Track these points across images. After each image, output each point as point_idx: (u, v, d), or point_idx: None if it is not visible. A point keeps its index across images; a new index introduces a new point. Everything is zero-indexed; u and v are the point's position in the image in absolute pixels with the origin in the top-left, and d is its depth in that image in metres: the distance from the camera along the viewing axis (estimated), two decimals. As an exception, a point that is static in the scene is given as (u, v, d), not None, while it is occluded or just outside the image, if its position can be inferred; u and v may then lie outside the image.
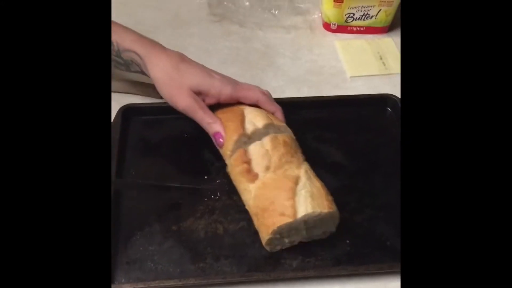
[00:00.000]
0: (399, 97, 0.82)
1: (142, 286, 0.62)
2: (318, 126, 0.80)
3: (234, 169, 0.68)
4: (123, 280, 0.63)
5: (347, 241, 0.67)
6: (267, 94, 0.73)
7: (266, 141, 0.68)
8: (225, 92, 0.71)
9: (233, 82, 0.72)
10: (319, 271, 0.64)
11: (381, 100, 0.83)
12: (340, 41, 0.99)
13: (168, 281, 0.63)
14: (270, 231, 0.62)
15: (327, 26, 1.01)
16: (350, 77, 0.91)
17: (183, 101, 0.70)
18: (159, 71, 0.70)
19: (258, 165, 0.67)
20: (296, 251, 0.66)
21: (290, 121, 0.74)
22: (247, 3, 1.06)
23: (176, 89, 0.70)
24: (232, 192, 0.70)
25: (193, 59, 0.73)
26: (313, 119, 0.81)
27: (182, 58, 0.72)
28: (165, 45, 0.74)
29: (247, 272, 0.64)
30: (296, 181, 0.64)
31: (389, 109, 0.83)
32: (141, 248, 0.66)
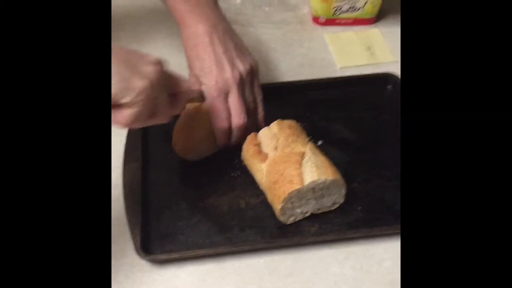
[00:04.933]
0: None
1: (176, 256, 0.68)
2: (325, 106, 0.86)
3: (247, 153, 0.74)
4: (158, 252, 0.68)
5: (359, 208, 0.73)
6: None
7: (273, 125, 0.75)
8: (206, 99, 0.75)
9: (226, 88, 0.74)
10: (336, 234, 0.71)
11: (381, 78, 0.90)
12: (329, 34, 1.04)
13: (200, 251, 0.68)
14: (282, 199, 0.68)
15: (316, 20, 1.05)
16: (340, 68, 0.96)
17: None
18: (187, 42, 0.76)
19: (267, 147, 0.73)
20: (313, 220, 0.72)
21: (297, 102, 0.80)
22: (238, 1, 1.09)
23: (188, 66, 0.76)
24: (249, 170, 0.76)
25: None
26: (319, 100, 0.87)
27: (210, 34, 0.75)
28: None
29: (270, 239, 0.70)
30: (302, 155, 0.71)
31: (389, 86, 0.90)
32: (171, 224, 0.71)
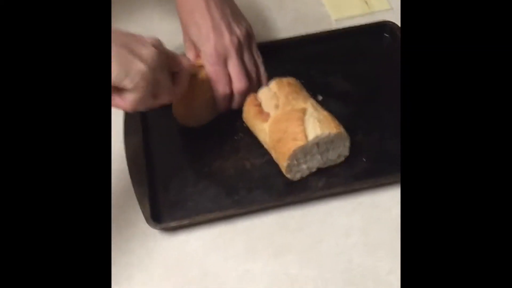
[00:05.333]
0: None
1: (187, 222, 0.68)
2: (322, 60, 0.85)
3: (248, 114, 0.74)
4: (168, 220, 0.69)
5: (364, 159, 0.73)
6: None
7: (272, 84, 0.74)
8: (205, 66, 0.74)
9: (224, 55, 0.74)
10: (343, 187, 0.71)
11: (378, 27, 0.88)
12: None
13: (210, 214, 0.69)
14: (287, 157, 0.68)
15: (307, -28, 1.04)
16: (335, 20, 0.94)
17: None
18: (182, 7, 0.76)
19: (268, 106, 0.73)
20: (319, 175, 0.72)
21: (294, 58, 0.80)
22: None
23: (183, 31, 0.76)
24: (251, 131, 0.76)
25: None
26: (315, 54, 0.86)
27: (207, 0, 0.74)
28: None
29: (278, 197, 0.71)
30: (304, 112, 0.71)
31: (387, 35, 0.88)
32: (178, 191, 0.71)
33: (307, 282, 0.64)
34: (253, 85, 0.76)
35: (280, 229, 0.68)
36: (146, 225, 0.67)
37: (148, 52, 0.60)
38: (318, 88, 0.80)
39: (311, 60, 0.85)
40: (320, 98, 0.79)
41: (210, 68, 0.73)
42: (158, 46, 0.62)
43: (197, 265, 0.66)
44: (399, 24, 0.87)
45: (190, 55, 0.77)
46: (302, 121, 0.69)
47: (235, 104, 0.76)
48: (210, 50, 0.73)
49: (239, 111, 0.76)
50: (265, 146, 0.73)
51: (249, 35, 0.77)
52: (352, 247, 0.66)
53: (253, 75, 0.76)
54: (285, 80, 0.75)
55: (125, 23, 0.86)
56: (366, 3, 0.97)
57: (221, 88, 0.74)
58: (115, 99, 0.60)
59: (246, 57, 0.76)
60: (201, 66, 0.74)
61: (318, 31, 0.89)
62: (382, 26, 0.89)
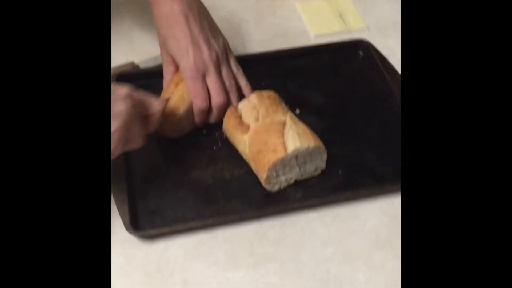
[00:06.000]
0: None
1: (167, 230, 0.68)
2: (299, 75, 0.88)
3: (228, 125, 0.75)
4: (148, 228, 0.68)
5: (340, 172, 0.75)
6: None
7: (252, 97, 0.76)
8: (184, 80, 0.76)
9: (206, 66, 0.75)
10: (320, 199, 0.73)
11: (353, 44, 0.92)
12: (301, 3, 1.04)
13: (190, 223, 0.69)
14: (266, 168, 0.69)
15: (287, -12, 1.04)
16: (315, 35, 0.97)
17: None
18: (161, 21, 0.76)
19: (248, 118, 0.74)
20: (297, 187, 0.74)
21: (272, 72, 0.82)
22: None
23: (161, 45, 0.78)
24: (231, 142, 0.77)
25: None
26: (293, 69, 0.88)
27: (185, 14, 0.75)
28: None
29: (257, 208, 0.72)
30: (283, 124, 0.72)
31: (361, 52, 0.92)
32: (157, 199, 0.71)
33: (287, 292, 0.65)
34: (231, 99, 0.77)
35: (260, 239, 0.69)
36: (126, 232, 0.67)
37: (119, 109, 0.61)
38: (295, 102, 0.82)
39: (288, 75, 0.88)
40: (297, 111, 0.81)
41: (189, 83, 0.74)
42: (129, 96, 0.63)
43: (177, 272, 0.66)
44: (372, 42, 0.91)
45: (169, 69, 0.78)
46: (282, 133, 0.71)
47: (212, 118, 0.77)
48: (190, 65, 0.74)
49: (217, 124, 0.77)
50: (244, 157, 0.74)
51: (226, 49, 0.78)
52: (330, 257, 0.67)
53: (233, 89, 0.77)
54: (265, 93, 0.76)
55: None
56: (344, 21, 1.00)
57: (199, 102, 0.74)
58: None
59: (224, 71, 0.77)
60: (180, 80, 0.75)
61: (295, 47, 0.91)
62: (357, 44, 0.92)
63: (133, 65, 0.86)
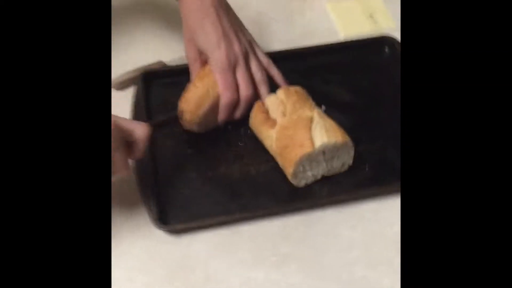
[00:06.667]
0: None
1: (194, 225, 0.69)
2: (325, 71, 0.87)
3: (255, 120, 0.76)
4: (175, 222, 0.69)
5: (366, 169, 0.75)
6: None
7: (280, 92, 0.76)
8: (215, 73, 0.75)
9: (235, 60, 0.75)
10: (347, 194, 0.73)
11: (379, 41, 0.91)
12: (331, 3, 1.02)
13: (217, 218, 0.69)
14: (293, 163, 0.69)
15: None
16: (344, 36, 0.95)
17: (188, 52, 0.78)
18: (191, 14, 0.76)
19: (275, 113, 0.74)
20: (323, 182, 0.73)
21: (298, 69, 0.82)
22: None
23: (187, 39, 0.77)
24: (257, 138, 0.77)
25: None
26: (318, 65, 0.88)
27: (216, 7, 0.75)
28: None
29: (283, 203, 0.72)
30: (311, 120, 0.72)
31: (386, 48, 0.91)
32: (184, 194, 0.72)
33: (310, 293, 0.65)
34: (262, 92, 0.77)
35: (284, 238, 0.68)
36: (149, 228, 0.67)
37: None
38: (320, 98, 0.81)
39: (314, 71, 0.87)
40: (323, 108, 0.81)
41: (220, 75, 0.74)
42: (112, 123, 0.61)
43: (200, 269, 0.66)
44: (399, 39, 0.90)
45: (195, 66, 0.78)
46: (309, 128, 0.71)
47: (238, 113, 0.77)
48: (222, 58, 0.74)
49: (242, 120, 0.77)
50: (271, 152, 0.74)
51: (253, 43, 0.79)
52: (355, 260, 0.67)
53: (262, 81, 0.78)
54: (292, 88, 0.76)
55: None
56: (375, 22, 0.98)
57: (229, 95, 0.75)
58: None
59: (254, 64, 0.77)
60: (208, 74, 0.76)
61: (320, 43, 0.91)
62: (383, 40, 0.91)
63: (161, 64, 0.87)
